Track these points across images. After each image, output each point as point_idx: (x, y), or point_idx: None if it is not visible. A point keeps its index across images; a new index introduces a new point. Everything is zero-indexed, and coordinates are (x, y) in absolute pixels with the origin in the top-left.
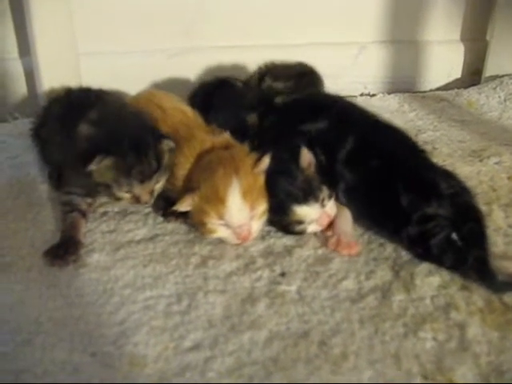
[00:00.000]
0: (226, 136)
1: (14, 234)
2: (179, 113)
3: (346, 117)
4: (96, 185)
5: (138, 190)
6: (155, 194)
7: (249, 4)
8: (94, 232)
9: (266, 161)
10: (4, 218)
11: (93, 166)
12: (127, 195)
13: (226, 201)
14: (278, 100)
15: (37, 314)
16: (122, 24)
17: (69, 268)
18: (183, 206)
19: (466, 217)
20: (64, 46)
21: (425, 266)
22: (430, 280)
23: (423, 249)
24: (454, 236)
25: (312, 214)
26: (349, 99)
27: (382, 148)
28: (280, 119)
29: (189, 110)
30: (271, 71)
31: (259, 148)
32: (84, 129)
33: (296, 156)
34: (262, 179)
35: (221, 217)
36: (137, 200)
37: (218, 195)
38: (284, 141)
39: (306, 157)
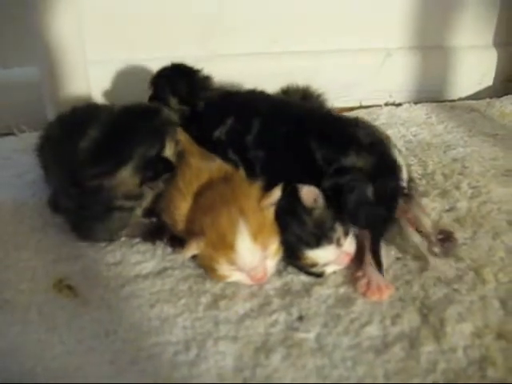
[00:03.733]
0: (219, 162)
1: (14, 265)
2: None
3: (248, 105)
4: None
5: None
6: None
7: (267, 11)
8: (99, 264)
9: (276, 194)
10: (4, 245)
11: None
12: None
13: (235, 246)
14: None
15: (32, 363)
16: (136, 31)
17: (70, 306)
18: (189, 251)
19: (383, 172)
20: (73, 55)
21: (455, 309)
22: (462, 327)
23: (338, 203)
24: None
25: (327, 257)
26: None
27: (291, 116)
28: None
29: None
30: None
31: None
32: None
33: (297, 195)
34: (271, 213)
35: (232, 263)
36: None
37: (225, 241)
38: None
39: (309, 195)
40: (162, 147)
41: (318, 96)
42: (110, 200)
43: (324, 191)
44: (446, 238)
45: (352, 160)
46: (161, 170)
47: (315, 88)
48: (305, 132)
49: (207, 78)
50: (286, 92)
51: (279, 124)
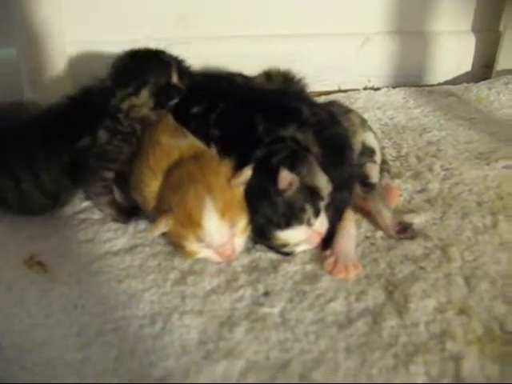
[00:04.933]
0: (191, 138)
1: None
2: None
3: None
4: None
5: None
6: None
7: None
8: (71, 241)
9: (246, 173)
10: None
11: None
12: None
13: (202, 223)
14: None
15: None
16: (116, 12)
17: (39, 281)
18: (158, 229)
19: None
20: (52, 35)
21: (420, 286)
22: (426, 303)
23: (266, 168)
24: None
25: (298, 237)
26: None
27: (248, 99)
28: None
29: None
30: None
31: None
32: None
33: (273, 176)
34: (240, 191)
35: (200, 240)
36: None
37: (192, 218)
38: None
39: (286, 178)
40: (170, 76)
41: (299, 80)
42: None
43: (257, 161)
44: (403, 229)
45: (290, 132)
46: (172, 94)
47: (296, 72)
48: (254, 111)
49: (189, 68)
50: (269, 75)
51: (237, 106)
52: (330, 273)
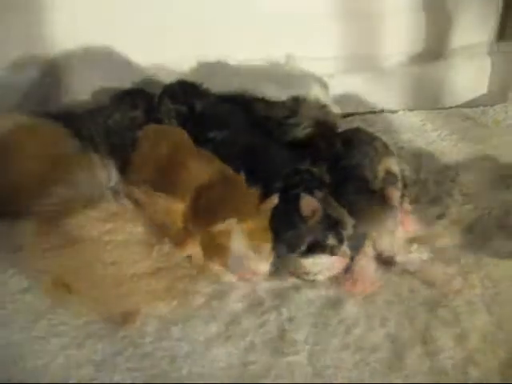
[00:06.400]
0: (217, 163)
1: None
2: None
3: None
4: None
5: None
6: None
7: (263, 16)
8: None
9: (273, 201)
10: None
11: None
12: None
13: (228, 246)
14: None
15: None
16: (130, 36)
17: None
18: (185, 250)
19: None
20: (73, 56)
21: (442, 313)
22: (448, 330)
23: (288, 197)
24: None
25: (320, 265)
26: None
27: (266, 130)
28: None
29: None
30: None
31: None
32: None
33: (296, 204)
34: (266, 218)
35: (224, 264)
36: None
37: (219, 243)
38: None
39: (309, 205)
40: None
41: (323, 106)
42: None
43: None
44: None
45: (306, 164)
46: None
47: (322, 100)
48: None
49: (205, 91)
50: (297, 101)
51: (254, 138)
52: (348, 289)
